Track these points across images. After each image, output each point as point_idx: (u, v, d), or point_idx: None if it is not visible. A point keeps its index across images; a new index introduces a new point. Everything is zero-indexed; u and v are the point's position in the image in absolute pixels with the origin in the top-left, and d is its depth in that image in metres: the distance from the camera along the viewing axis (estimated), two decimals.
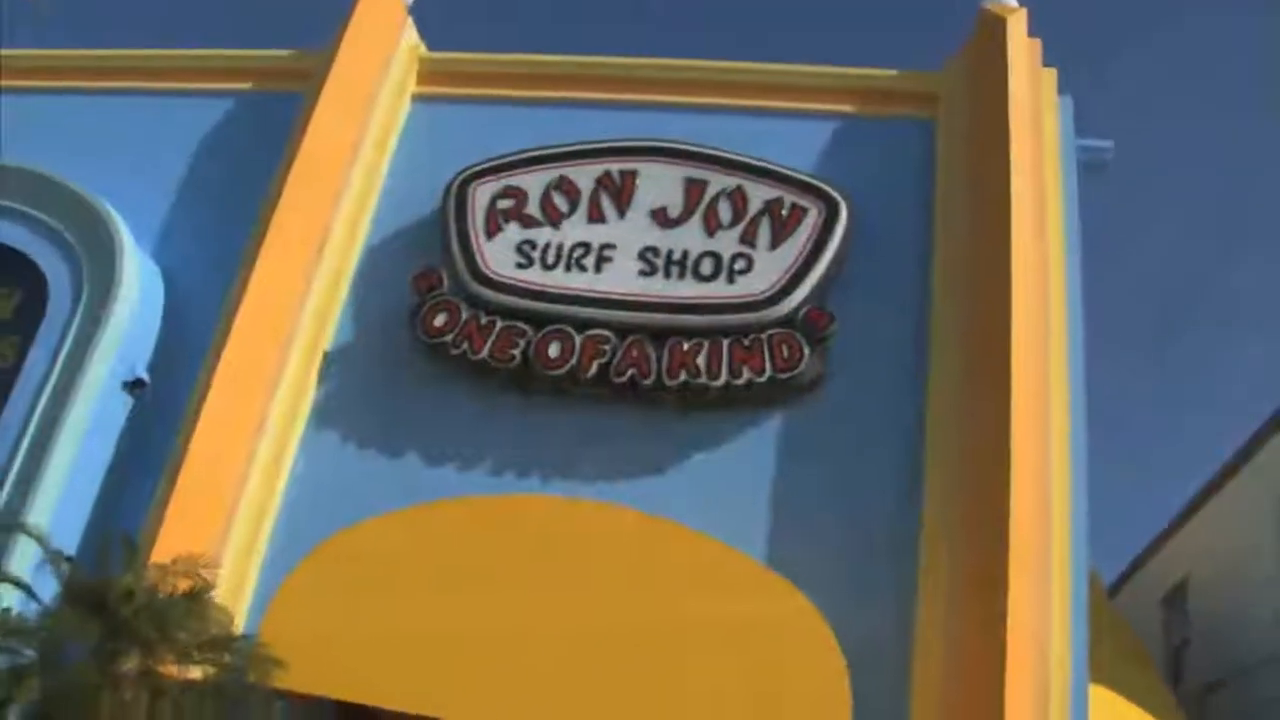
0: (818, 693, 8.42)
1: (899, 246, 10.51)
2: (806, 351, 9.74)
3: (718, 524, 9.35)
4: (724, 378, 9.75)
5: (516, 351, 10.10)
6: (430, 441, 10.22)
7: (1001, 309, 9.46)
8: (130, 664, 8.16)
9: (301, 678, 8.53)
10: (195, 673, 8.59)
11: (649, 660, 8.58)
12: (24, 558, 9.66)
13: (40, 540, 8.94)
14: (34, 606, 8.87)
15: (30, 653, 8.55)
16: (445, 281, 10.60)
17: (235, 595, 9.37)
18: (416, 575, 9.23)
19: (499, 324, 10.24)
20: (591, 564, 9.12)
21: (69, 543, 9.82)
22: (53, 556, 9.05)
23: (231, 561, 9.59)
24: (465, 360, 10.23)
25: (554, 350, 10.03)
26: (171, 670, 8.37)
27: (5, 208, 11.74)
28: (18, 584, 8.90)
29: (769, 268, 10.21)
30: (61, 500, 10.05)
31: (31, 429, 10.28)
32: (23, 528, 9.22)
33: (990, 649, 8.26)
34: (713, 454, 9.87)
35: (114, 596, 8.31)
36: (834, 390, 9.95)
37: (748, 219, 10.51)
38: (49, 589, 9.08)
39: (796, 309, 9.97)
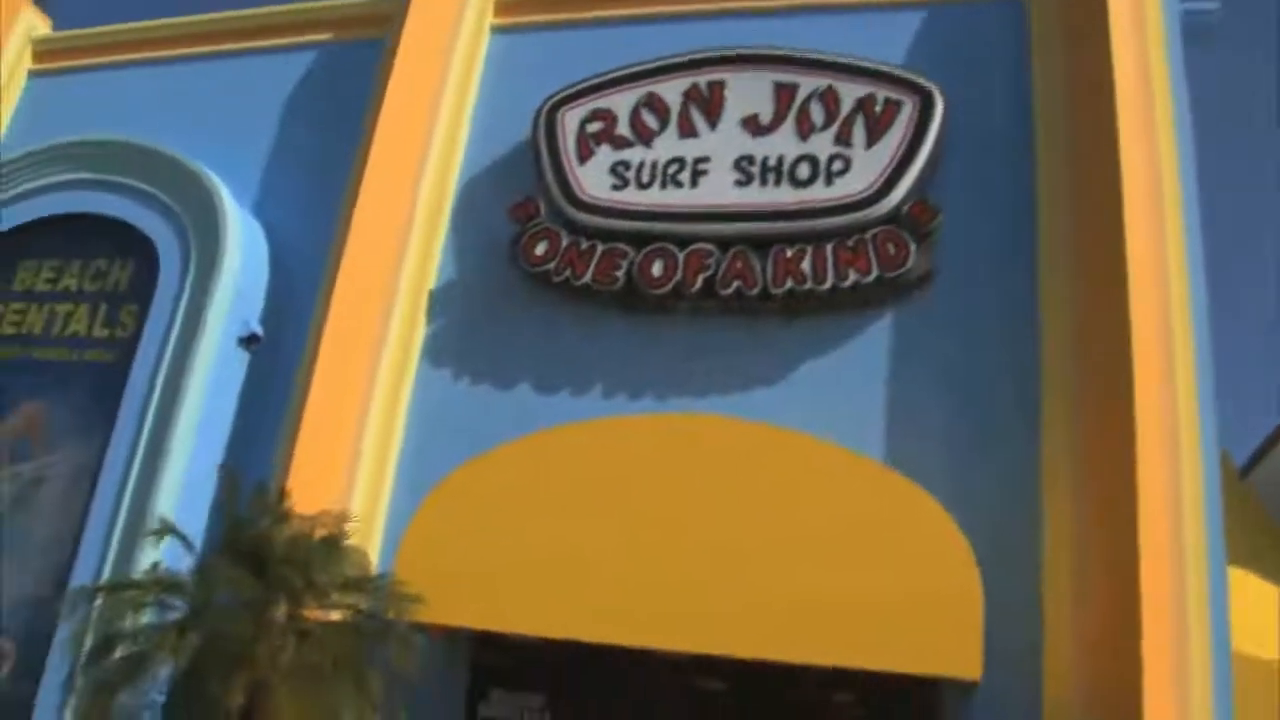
0: (950, 590, 8.31)
1: (998, 134, 10.18)
2: (912, 248, 9.54)
3: (834, 429, 9.23)
4: (830, 282, 9.61)
5: (619, 273, 10.09)
6: (541, 370, 10.30)
7: (1110, 188, 9.12)
8: (279, 611, 8.42)
9: (438, 610, 8.70)
10: (336, 614, 8.86)
11: (781, 568, 8.54)
12: (166, 504, 10.07)
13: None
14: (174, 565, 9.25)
15: (180, 604, 8.90)
16: (542, 210, 10.61)
17: (367, 536, 9.61)
18: (542, 501, 9.29)
19: (599, 247, 10.23)
20: (716, 477, 9.06)
21: (202, 499, 10.15)
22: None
23: (360, 503, 9.84)
24: (569, 287, 10.25)
25: (657, 269, 9.98)
26: (315, 614, 8.65)
27: (109, 182, 12.12)
28: (178, 534, 9.20)
29: (867, 166, 9.98)
30: (192, 457, 10.39)
31: (157, 392, 10.62)
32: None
33: (1120, 535, 8.12)
34: (823, 360, 9.75)
35: (261, 547, 8.58)
36: (943, 286, 9.73)
37: (841, 119, 10.27)
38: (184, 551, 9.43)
39: (899, 205, 9.75)
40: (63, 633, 9.94)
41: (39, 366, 11.68)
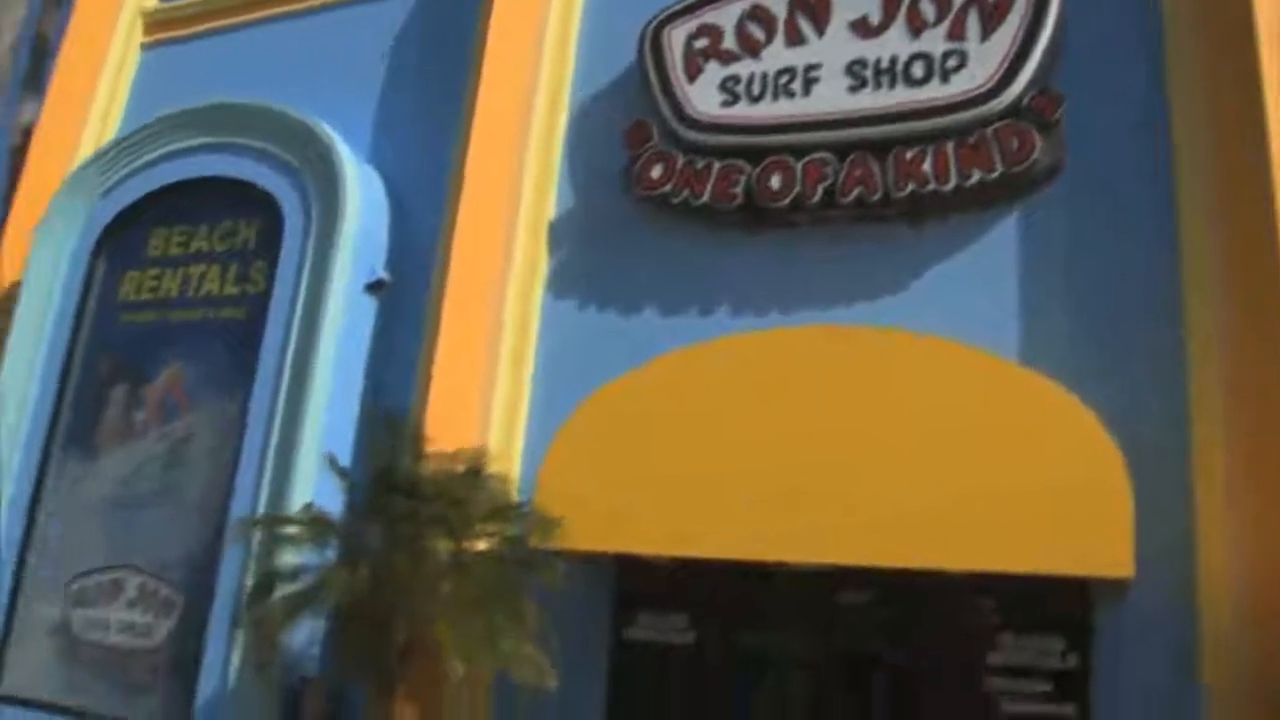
0: (1097, 487, 8.08)
1: (1121, 13, 9.75)
2: (1038, 140, 9.22)
3: (967, 332, 9.01)
4: (953, 181, 9.35)
5: (738, 190, 9.96)
6: (666, 294, 10.27)
7: (1247, 55, 8.69)
8: (433, 545, 8.61)
9: (580, 536, 8.80)
10: (482, 544, 9.03)
11: (922, 474, 8.39)
12: (308, 463, 10.36)
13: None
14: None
15: (333, 543, 9.17)
16: (655, 133, 10.51)
17: (506, 467, 9.72)
18: (677, 422, 9.26)
19: (715, 165, 10.11)
20: (851, 387, 8.91)
21: (343, 443, 10.40)
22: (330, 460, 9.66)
23: (497, 435, 10.02)
24: (688, 208, 10.17)
25: (775, 182, 9.84)
26: (462, 545, 8.83)
27: (228, 144, 12.39)
28: (340, 470, 9.46)
29: (984, 60, 9.63)
30: (330, 403, 10.64)
31: (292, 343, 10.88)
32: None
33: (1273, 425, 7.85)
34: (952, 262, 9.51)
35: (410, 484, 8.78)
36: (1071, 177, 9.38)
37: (953, 13, 9.92)
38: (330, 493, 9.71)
39: (1020, 97, 9.39)
40: (225, 580, 10.38)
41: (178, 329, 12.07)
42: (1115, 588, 8.24)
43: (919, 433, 8.57)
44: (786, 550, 8.65)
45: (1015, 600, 8.70)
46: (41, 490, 12.37)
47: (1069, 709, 8.46)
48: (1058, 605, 8.60)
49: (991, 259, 9.43)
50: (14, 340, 12.96)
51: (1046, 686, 8.56)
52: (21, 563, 12.19)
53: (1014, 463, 8.31)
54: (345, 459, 10.08)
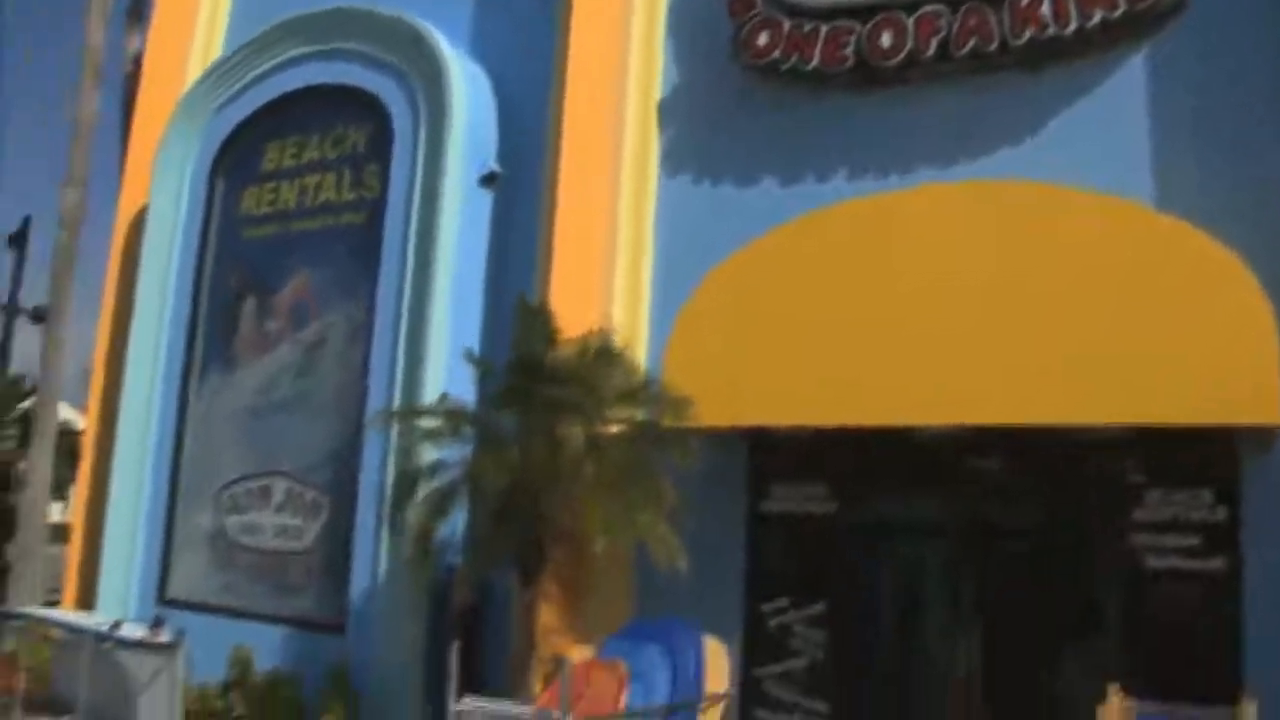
0: (1242, 333, 7.76)
1: None
2: None
3: (1094, 179, 8.68)
4: (1074, 24, 8.98)
5: (847, 51, 9.70)
6: (781, 163, 10.13)
7: None
8: (570, 428, 8.70)
9: (711, 412, 8.81)
10: (615, 426, 9.12)
11: (1059, 328, 8.15)
12: (437, 358, 10.54)
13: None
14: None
15: (470, 434, 9.35)
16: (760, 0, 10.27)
17: (633, 347, 9.81)
18: (802, 290, 9.15)
19: (823, 28, 9.83)
20: (980, 242, 8.66)
21: (469, 335, 10.54)
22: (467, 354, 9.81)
23: (622, 316, 10.11)
24: (797, 73, 9.95)
25: (886, 39, 9.55)
26: (597, 428, 8.92)
27: (333, 50, 12.49)
28: (478, 361, 9.63)
29: None
30: (453, 298, 10.80)
31: (411, 242, 11.01)
32: None
33: None
34: (1075, 109, 9.19)
35: (543, 369, 8.87)
36: (1197, 12, 8.93)
37: None
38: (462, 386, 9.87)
39: None
40: (367, 478, 10.68)
41: (300, 238, 12.29)
42: (1263, 437, 8.00)
43: (1055, 286, 8.31)
44: (924, 414, 8.54)
45: (1160, 455, 8.51)
46: (186, 406, 12.84)
47: (1218, 562, 8.32)
48: (1204, 458, 8.40)
49: (1116, 103, 9.09)
50: (146, 264, 13.36)
51: (1194, 540, 8.42)
52: (175, 477, 12.71)
53: (1155, 312, 8.03)
54: (474, 348, 10.27)
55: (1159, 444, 8.27)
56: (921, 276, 8.75)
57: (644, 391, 9.17)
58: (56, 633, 10.79)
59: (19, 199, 47.74)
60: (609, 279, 10.25)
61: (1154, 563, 8.51)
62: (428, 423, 9.44)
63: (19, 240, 20.74)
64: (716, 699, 8.34)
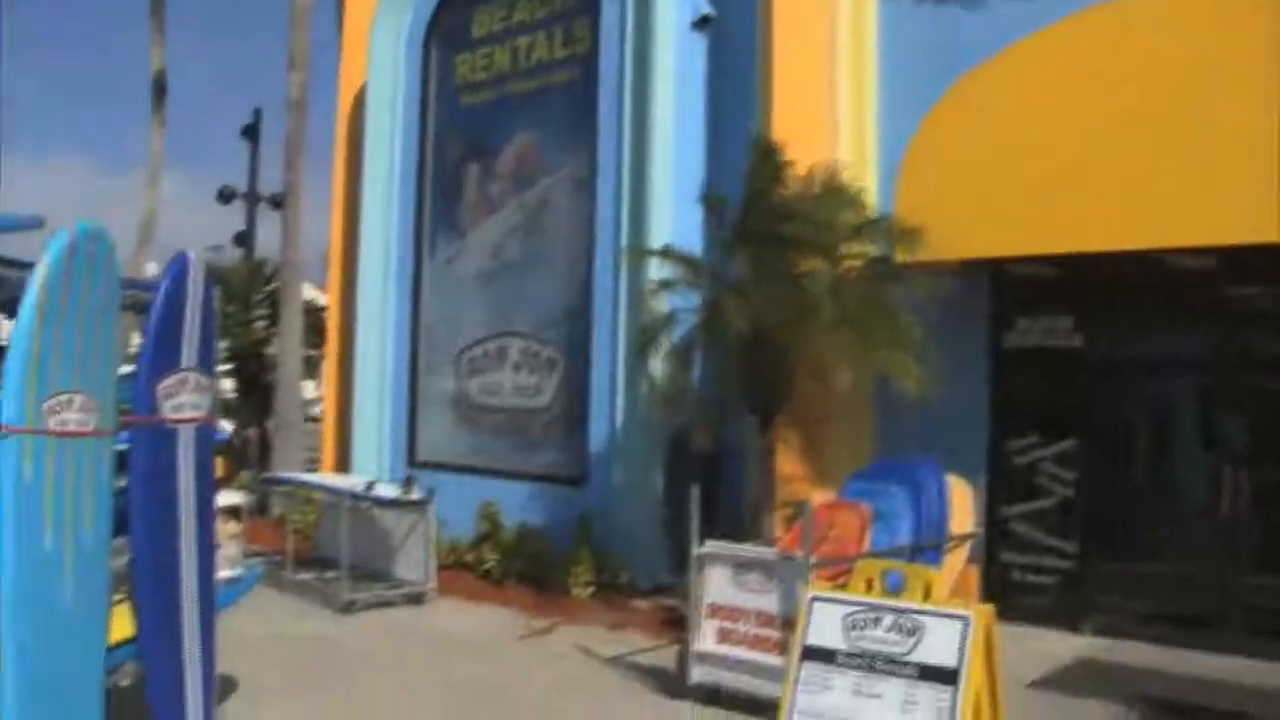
0: None
1: None
2: None
3: None
4: None
5: None
6: None
7: None
8: (801, 267, 8.52)
9: (949, 243, 8.45)
10: (850, 262, 8.84)
11: None
12: (662, 207, 10.44)
13: None
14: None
15: (700, 283, 9.26)
16: None
17: (862, 181, 9.36)
18: (1042, 112, 8.54)
19: None
20: (1239, 49, 7.75)
21: (692, 178, 10.34)
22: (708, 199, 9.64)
23: (849, 150, 9.72)
24: None
25: None
26: (832, 264, 8.68)
27: None
28: (714, 204, 9.45)
29: None
30: (674, 144, 10.62)
31: (628, 92, 10.86)
32: None
33: None
34: None
35: (773, 209, 8.66)
36: None
37: None
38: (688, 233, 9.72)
39: None
40: (600, 333, 10.76)
41: (516, 100, 12.29)
42: None
43: None
44: (1178, 236, 7.85)
45: None
46: (420, 276, 13.18)
47: None
48: None
49: None
50: (370, 140, 13.69)
51: None
52: (415, 345, 13.14)
53: None
54: (697, 195, 10.12)
55: None
56: (1168, 88, 7.98)
57: (878, 225, 8.85)
58: (318, 495, 11.37)
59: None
60: (832, 117, 9.85)
61: None
62: (660, 272, 9.37)
63: (252, 131, 21.58)
64: (963, 539, 8.10)
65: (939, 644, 4.48)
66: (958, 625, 4.47)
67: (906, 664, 4.53)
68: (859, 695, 4.61)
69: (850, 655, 4.68)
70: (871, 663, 4.62)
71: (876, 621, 4.65)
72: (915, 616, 4.58)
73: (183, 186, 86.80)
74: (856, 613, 4.73)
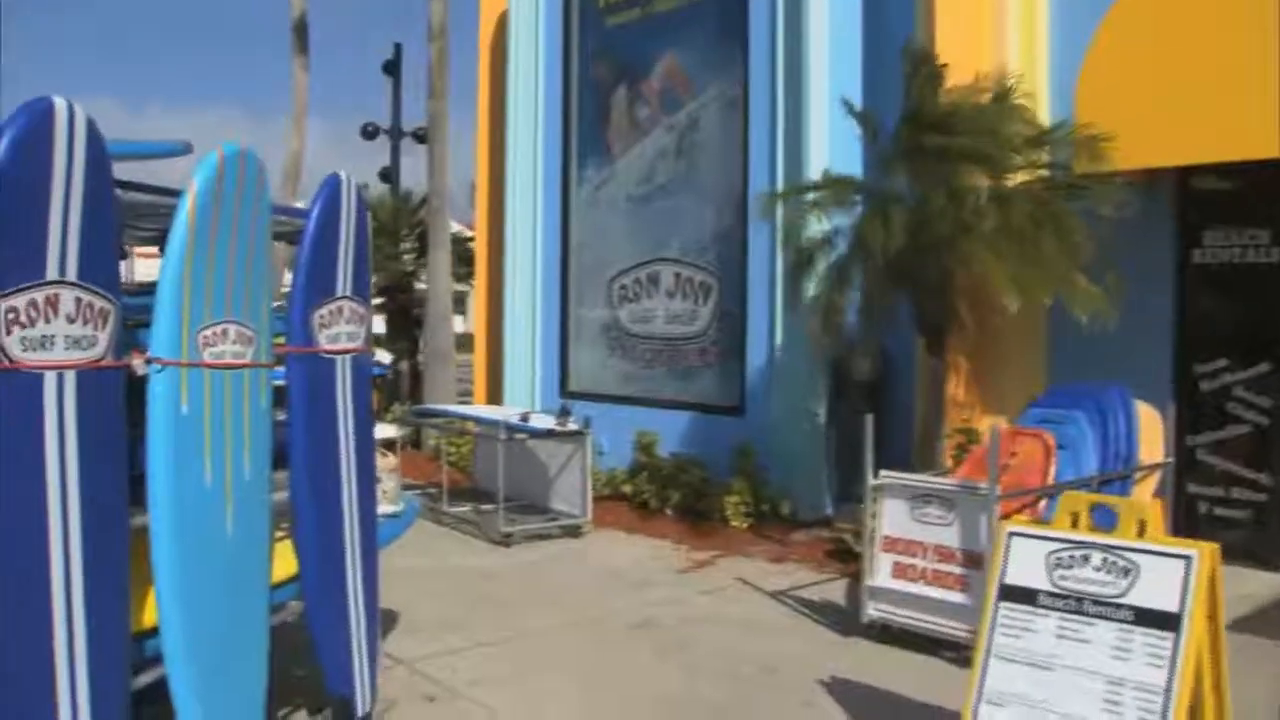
0: None
1: None
2: None
3: None
4: None
5: None
6: None
7: None
8: (967, 180, 8.01)
9: (1132, 152, 7.84)
10: (1021, 175, 8.30)
11: None
12: (818, 124, 9.96)
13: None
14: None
15: (857, 201, 8.80)
16: None
17: (1034, 88, 8.83)
18: (1230, 9, 7.79)
19: None
20: None
21: (851, 92, 9.79)
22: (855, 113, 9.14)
23: (1019, 57, 9.10)
24: None
25: None
26: (1001, 178, 8.15)
27: None
28: (858, 114, 8.99)
29: None
30: (829, 58, 10.10)
31: (780, 4, 10.30)
32: None
33: None
34: None
35: (939, 118, 8.13)
36: None
37: None
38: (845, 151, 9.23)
39: None
40: (756, 255, 10.39)
41: (663, 20, 11.88)
42: None
43: None
44: None
45: None
46: (569, 203, 12.94)
47: None
48: None
49: None
50: (513, 67, 13.49)
51: None
52: (565, 273, 12.95)
53: None
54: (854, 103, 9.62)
55: None
56: None
57: (1053, 135, 8.27)
58: (472, 426, 11.31)
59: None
60: (1001, 15, 9.18)
61: None
62: (814, 195, 8.92)
63: (393, 67, 21.56)
64: (1153, 469, 7.57)
65: (1157, 585, 4.05)
66: (1179, 565, 4.04)
67: (1120, 606, 4.11)
68: (1064, 639, 4.22)
69: (1054, 596, 4.28)
70: (1079, 604, 4.21)
71: (1085, 559, 4.24)
72: (1129, 554, 4.15)
73: (325, 131, 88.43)
74: (1061, 549, 4.32)
